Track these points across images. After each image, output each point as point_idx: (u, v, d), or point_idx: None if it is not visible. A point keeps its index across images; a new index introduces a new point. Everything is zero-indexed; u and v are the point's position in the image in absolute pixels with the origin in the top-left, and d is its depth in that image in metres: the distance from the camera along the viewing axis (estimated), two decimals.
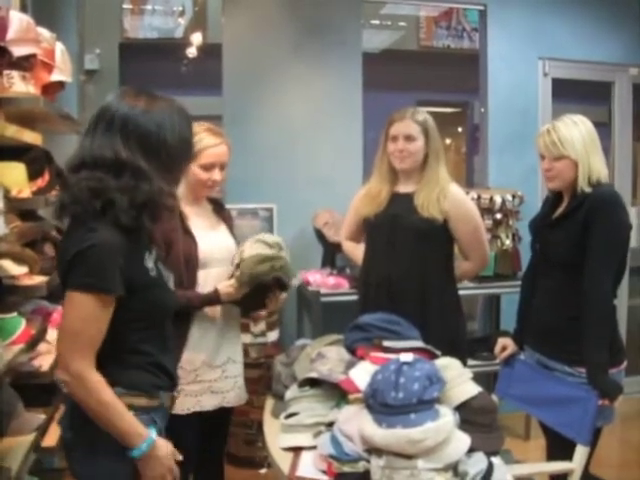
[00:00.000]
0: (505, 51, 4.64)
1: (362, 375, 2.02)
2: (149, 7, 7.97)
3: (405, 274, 2.87)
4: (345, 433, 1.92)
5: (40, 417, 2.37)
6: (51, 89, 3.16)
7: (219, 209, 2.84)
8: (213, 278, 2.60)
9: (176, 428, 2.28)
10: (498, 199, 4.17)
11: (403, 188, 2.95)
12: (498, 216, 4.17)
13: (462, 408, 2.10)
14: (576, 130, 2.54)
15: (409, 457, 1.77)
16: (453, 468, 1.81)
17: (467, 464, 1.82)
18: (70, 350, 1.67)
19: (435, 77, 8.69)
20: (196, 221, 2.65)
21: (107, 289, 1.68)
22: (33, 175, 2.56)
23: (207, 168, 2.60)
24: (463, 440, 1.85)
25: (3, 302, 2.31)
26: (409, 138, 2.86)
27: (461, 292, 3.77)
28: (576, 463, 2.41)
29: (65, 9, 3.84)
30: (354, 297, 3.91)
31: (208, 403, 2.62)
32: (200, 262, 2.58)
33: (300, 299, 4.39)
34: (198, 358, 2.59)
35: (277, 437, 2.20)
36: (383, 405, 1.84)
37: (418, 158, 2.88)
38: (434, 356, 2.15)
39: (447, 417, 1.84)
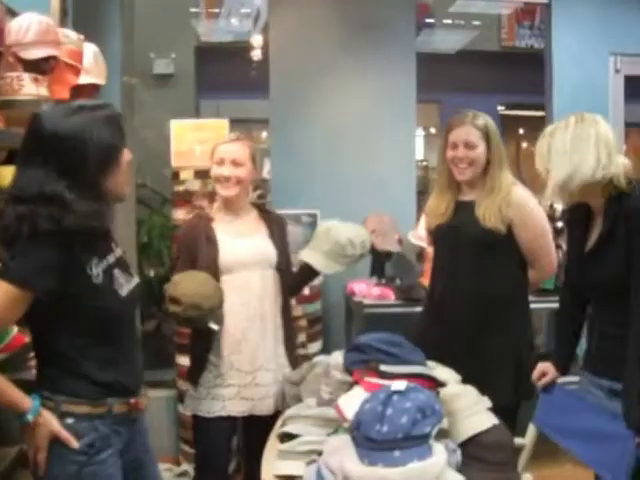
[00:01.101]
0: (573, 48, 4.32)
1: (352, 402, 1.83)
2: (224, 10, 7.95)
3: (470, 286, 2.74)
4: (329, 467, 1.74)
5: None
6: (85, 92, 3.13)
7: (264, 215, 2.88)
8: (240, 282, 2.67)
9: (203, 430, 2.69)
10: (559, 206, 3.84)
11: (466, 196, 2.82)
12: (559, 224, 3.85)
13: (471, 443, 1.90)
14: None
15: None
16: None
17: None
18: None
19: (519, 79, 8.35)
20: (228, 228, 2.74)
21: (31, 284, 1.70)
22: None
23: (218, 164, 2.72)
24: None
25: None
26: (469, 145, 2.71)
27: None
28: None
29: (108, 13, 3.80)
30: (400, 309, 3.80)
31: (236, 409, 2.66)
32: (223, 268, 2.66)
33: (347, 309, 4.22)
34: (225, 362, 2.65)
35: (272, 461, 2.05)
36: (366, 439, 1.64)
37: (479, 166, 2.74)
38: (439, 384, 1.93)
39: (438, 457, 1.63)
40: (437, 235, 2.88)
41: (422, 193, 11.48)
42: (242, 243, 2.72)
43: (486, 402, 2.04)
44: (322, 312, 4.06)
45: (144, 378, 2.11)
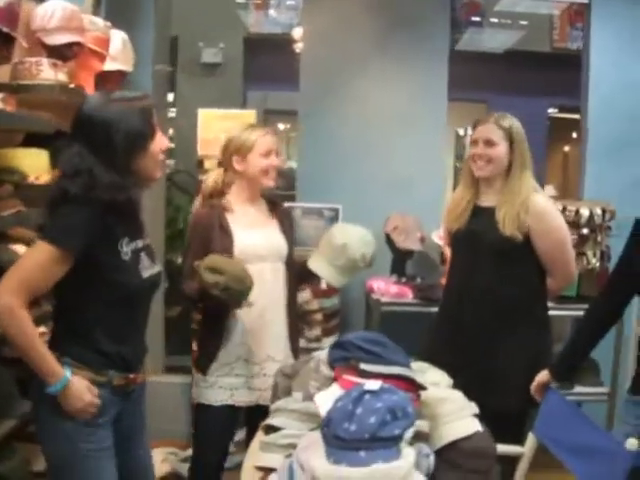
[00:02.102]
0: (611, 49, 4.20)
1: (328, 399, 1.83)
2: (273, 2, 7.98)
3: (486, 291, 2.74)
4: (299, 461, 1.74)
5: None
6: (111, 78, 3.19)
7: (274, 207, 2.90)
8: (252, 273, 2.62)
9: (207, 418, 2.74)
10: (585, 212, 3.78)
11: (485, 200, 2.80)
12: (585, 231, 3.79)
13: (451, 449, 1.87)
14: None
15: None
16: None
17: None
18: (8, 286, 1.85)
19: (570, 81, 8.20)
20: (242, 219, 2.77)
21: (66, 245, 1.87)
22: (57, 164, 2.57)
23: (265, 155, 2.74)
24: None
25: None
26: (489, 143, 2.70)
27: None
28: None
29: (143, 1, 3.85)
30: (417, 308, 3.78)
31: (242, 399, 2.72)
32: (238, 258, 2.67)
33: (367, 306, 4.22)
34: (234, 352, 2.70)
35: (255, 453, 2.07)
36: (335, 437, 1.64)
37: (499, 165, 2.71)
38: (419, 387, 1.91)
39: (404, 460, 1.61)
40: (456, 238, 2.88)
41: None
42: (256, 234, 2.75)
43: (473, 408, 2.01)
44: (341, 307, 4.06)
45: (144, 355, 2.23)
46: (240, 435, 3.55)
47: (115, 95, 2.02)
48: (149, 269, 2.10)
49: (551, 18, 7.97)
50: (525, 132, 2.75)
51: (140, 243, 2.10)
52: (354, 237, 2.71)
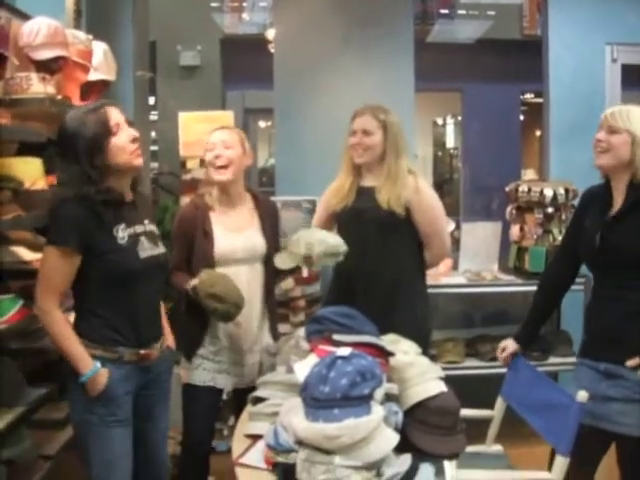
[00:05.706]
0: (569, 37, 4.44)
1: (305, 367, 2.04)
2: (247, 4, 8.16)
3: (375, 265, 2.97)
4: (283, 424, 1.96)
5: (39, 392, 2.58)
6: (95, 88, 3.38)
7: (258, 203, 3.04)
8: (230, 273, 2.80)
9: (190, 396, 2.93)
10: (549, 192, 4.01)
11: (366, 182, 3.06)
12: (549, 210, 4.02)
13: (419, 408, 2.09)
14: None
15: (328, 452, 1.78)
16: (377, 468, 1.80)
17: (388, 465, 1.80)
18: (39, 294, 2.19)
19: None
20: (223, 220, 2.92)
21: (63, 243, 2.15)
22: (50, 170, 2.76)
23: (210, 149, 2.91)
24: (389, 439, 1.82)
25: (5, 285, 2.56)
26: (366, 132, 2.97)
27: (511, 289, 3.72)
28: (555, 474, 2.29)
29: (121, 11, 4.03)
30: None
31: (222, 382, 2.92)
32: (218, 261, 2.85)
33: None
34: (217, 342, 2.90)
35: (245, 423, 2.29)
36: (312, 398, 1.86)
37: (375, 152, 2.99)
38: (387, 353, 2.12)
39: (374, 415, 1.83)
40: (342, 216, 3.09)
41: (450, 180, 11.35)
42: (237, 238, 2.90)
43: (438, 371, 2.22)
44: (322, 293, 4.25)
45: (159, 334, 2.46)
46: (233, 420, 3.75)
47: (79, 109, 2.31)
48: (149, 250, 2.34)
49: (521, 6, 8.20)
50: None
51: (139, 228, 2.34)
52: (312, 233, 2.85)
